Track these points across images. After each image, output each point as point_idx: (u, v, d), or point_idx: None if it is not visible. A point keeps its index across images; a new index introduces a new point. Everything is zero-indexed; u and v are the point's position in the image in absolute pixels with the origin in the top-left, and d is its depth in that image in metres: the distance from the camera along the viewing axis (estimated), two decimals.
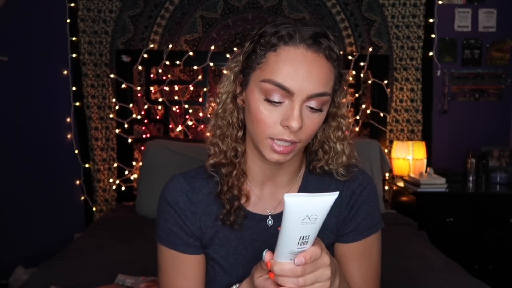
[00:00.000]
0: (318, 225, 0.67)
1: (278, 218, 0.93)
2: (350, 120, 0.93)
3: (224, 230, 0.92)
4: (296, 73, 0.79)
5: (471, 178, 2.76)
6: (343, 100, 0.91)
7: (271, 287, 0.71)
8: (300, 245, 0.68)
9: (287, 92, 0.79)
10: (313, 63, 0.80)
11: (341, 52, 0.86)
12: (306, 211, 0.65)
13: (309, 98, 0.80)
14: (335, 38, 0.84)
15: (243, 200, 0.92)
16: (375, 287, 0.95)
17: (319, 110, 0.82)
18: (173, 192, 0.92)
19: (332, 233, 0.94)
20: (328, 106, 0.86)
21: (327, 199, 0.66)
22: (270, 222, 0.93)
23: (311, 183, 0.96)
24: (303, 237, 0.67)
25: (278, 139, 0.81)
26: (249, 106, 0.84)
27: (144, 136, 2.80)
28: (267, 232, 0.92)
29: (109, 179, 2.83)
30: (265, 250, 0.73)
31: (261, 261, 0.73)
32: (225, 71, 0.93)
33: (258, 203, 0.94)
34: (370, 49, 2.79)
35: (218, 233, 0.92)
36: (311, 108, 0.81)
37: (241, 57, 0.87)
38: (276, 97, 0.80)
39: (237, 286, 0.85)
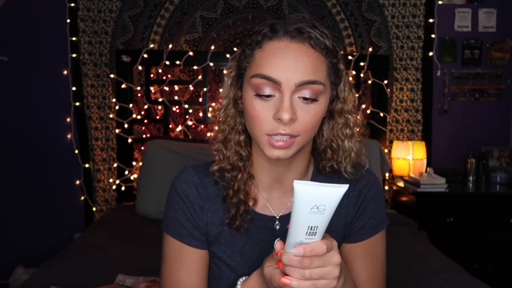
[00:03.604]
0: (326, 216, 0.68)
1: (285, 221, 0.92)
2: (359, 117, 0.92)
3: (230, 229, 0.92)
4: (281, 64, 0.79)
5: (471, 178, 2.76)
6: (349, 96, 0.89)
7: (278, 276, 0.72)
8: (309, 235, 0.69)
9: (275, 83, 0.79)
10: (298, 53, 0.80)
11: (331, 43, 0.84)
12: (314, 200, 0.66)
13: (299, 87, 0.79)
14: (328, 31, 0.84)
15: (250, 203, 0.92)
16: (381, 285, 0.95)
17: (314, 100, 0.81)
18: (183, 184, 0.92)
19: (339, 235, 0.94)
20: (327, 97, 0.85)
21: (336, 190, 0.67)
22: (277, 227, 0.93)
23: None
24: (312, 227, 0.68)
25: (274, 134, 0.80)
26: (245, 105, 0.85)
27: (144, 136, 2.80)
28: (274, 233, 0.92)
29: (109, 179, 2.83)
30: (277, 240, 0.74)
31: (273, 251, 0.75)
32: (225, 74, 0.94)
33: (265, 206, 0.93)
34: (370, 49, 2.79)
35: (224, 232, 0.92)
36: (304, 98, 0.80)
37: (235, 61, 0.89)
38: (266, 91, 0.80)
39: (244, 278, 0.85)
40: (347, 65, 2.68)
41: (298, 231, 0.69)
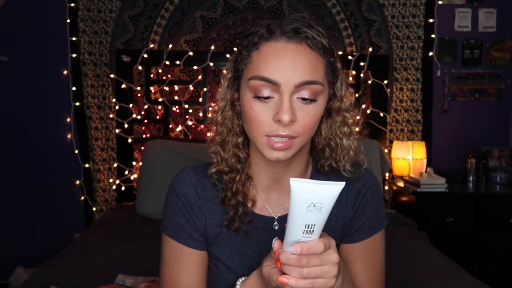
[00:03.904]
0: (323, 214, 0.68)
1: (283, 222, 0.92)
2: (358, 117, 0.92)
3: (229, 230, 0.92)
4: (280, 65, 0.79)
5: (471, 178, 2.76)
6: (346, 94, 0.89)
7: (276, 275, 0.72)
8: (306, 233, 0.69)
9: (274, 85, 0.79)
10: (296, 53, 0.80)
11: (328, 42, 0.84)
12: (311, 198, 0.66)
13: (298, 88, 0.79)
14: (324, 29, 0.84)
15: (249, 204, 0.92)
16: (381, 285, 0.94)
17: (313, 100, 0.81)
18: (182, 185, 0.92)
19: (338, 235, 0.93)
20: (326, 97, 0.85)
21: (333, 188, 0.67)
22: (276, 227, 0.92)
23: None
24: (309, 225, 0.68)
25: (274, 135, 0.80)
26: (243, 107, 0.84)
27: (144, 136, 2.80)
28: (273, 233, 0.92)
29: (109, 179, 2.83)
30: (275, 239, 0.74)
31: (271, 250, 0.75)
32: (221, 76, 0.94)
33: (264, 207, 0.93)
34: (370, 49, 2.79)
35: (223, 233, 0.92)
36: (303, 99, 0.80)
37: (231, 63, 0.89)
38: (265, 93, 0.80)
39: (243, 278, 0.85)
40: (347, 65, 2.70)
41: (295, 230, 0.69)
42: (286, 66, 0.79)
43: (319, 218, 0.68)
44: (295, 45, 0.80)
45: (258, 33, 0.82)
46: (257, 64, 0.81)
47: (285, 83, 0.78)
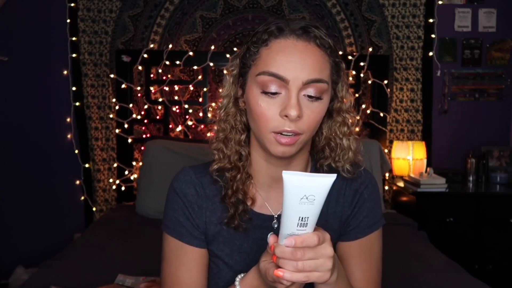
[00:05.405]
0: (316, 207, 0.69)
1: None
2: (358, 117, 0.94)
3: (228, 228, 0.92)
4: (289, 62, 0.80)
5: (471, 178, 2.76)
6: (346, 95, 0.91)
7: (272, 270, 0.72)
8: (300, 226, 0.69)
9: (282, 81, 0.80)
10: (305, 51, 0.81)
11: (333, 43, 0.86)
12: (304, 191, 0.67)
13: (305, 85, 0.80)
14: (329, 32, 0.86)
15: (249, 203, 0.92)
16: (376, 284, 0.95)
17: (318, 98, 0.83)
18: (182, 184, 0.93)
19: (335, 233, 0.94)
20: (329, 96, 0.86)
21: (324, 180, 0.68)
22: (275, 225, 0.93)
23: None
24: (302, 218, 0.69)
25: (279, 131, 0.81)
26: (249, 102, 0.85)
27: (144, 136, 2.80)
28: (272, 231, 0.92)
29: (109, 179, 2.83)
30: (270, 234, 0.75)
31: (267, 245, 0.76)
32: (225, 73, 0.94)
33: (263, 205, 0.94)
34: (370, 49, 2.79)
35: (222, 231, 0.93)
36: (309, 97, 0.82)
37: (238, 59, 0.90)
38: (272, 88, 0.81)
39: (242, 275, 0.86)
40: (347, 65, 2.70)
41: (289, 223, 0.69)
42: (295, 63, 0.80)
43: (312, 211, 0.69)
44: (304, 43, 0.82)
45: (267, 30, 0.84)
46: (266, 60, 0.82)
47: (293, 80, 0.80)
